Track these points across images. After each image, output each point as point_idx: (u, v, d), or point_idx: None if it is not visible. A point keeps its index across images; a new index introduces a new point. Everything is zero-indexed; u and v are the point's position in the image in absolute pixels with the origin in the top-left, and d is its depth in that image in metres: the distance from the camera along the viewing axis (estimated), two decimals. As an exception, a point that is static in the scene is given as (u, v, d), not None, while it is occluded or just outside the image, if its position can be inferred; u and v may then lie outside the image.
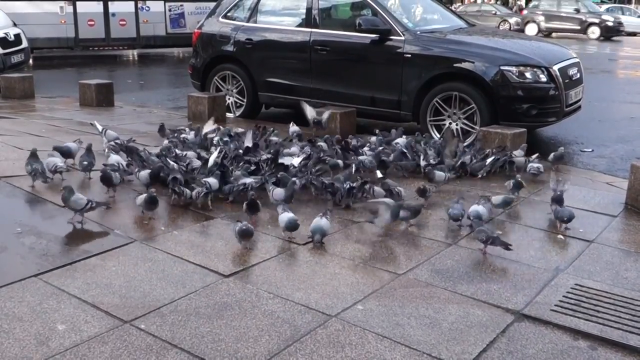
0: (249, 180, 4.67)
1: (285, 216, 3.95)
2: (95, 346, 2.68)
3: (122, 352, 2.65)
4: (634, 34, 31.97)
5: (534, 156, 5.71)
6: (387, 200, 4.24)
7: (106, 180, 4.55)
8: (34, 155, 4.68)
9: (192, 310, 3.02)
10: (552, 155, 5.80)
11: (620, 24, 30.16)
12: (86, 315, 2.94)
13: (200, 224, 4.20)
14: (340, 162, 5.33)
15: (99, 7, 16.89)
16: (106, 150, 5.32)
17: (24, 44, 11.41)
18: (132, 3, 17.30)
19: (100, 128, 5.80)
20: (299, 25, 7.99)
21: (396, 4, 7.98)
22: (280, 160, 5.15)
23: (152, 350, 2.67)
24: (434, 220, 4.38)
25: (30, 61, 12.48)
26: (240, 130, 6.27)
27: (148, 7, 17.50)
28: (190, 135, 5.95)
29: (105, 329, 2.82)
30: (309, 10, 7.84)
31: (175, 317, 2.95)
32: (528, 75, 6.57)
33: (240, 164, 5.09)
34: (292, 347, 2.74)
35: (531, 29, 30.19)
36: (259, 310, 3.05)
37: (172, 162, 4.95)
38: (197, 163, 5.09)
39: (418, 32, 7.24)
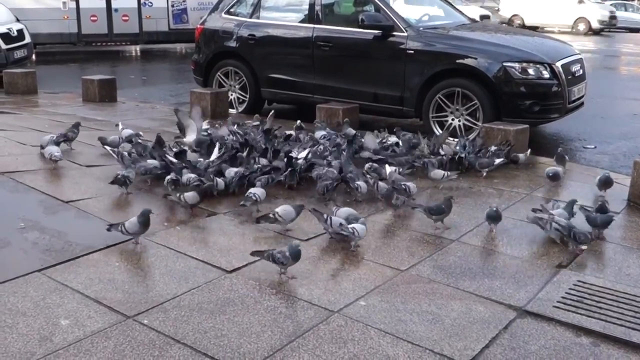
0: (233, 170, 4.70)
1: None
2: (99, 341, 2.69)
3: (125, 347, 2.66)
4: (636, 30, 31.90)
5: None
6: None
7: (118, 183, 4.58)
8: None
9: (195, 306, 3.02)
10: (597, 179, 5.02)
11: None
12: (89, 310, 2.95)
13: (203, 219, 4.21)
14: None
15: (101, 3, 16.86)
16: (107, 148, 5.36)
17: (27, 39, 11.38)
18: (135, -2, 17.28)
19: (121, 126, 6.00)
20: (302, 21, 7.99)
21: (399, 0, 7.97)
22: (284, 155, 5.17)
23: (155, 346, 2.68)
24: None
25: (33, 57, 12.45)
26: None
27: (151, 2, 17.47)
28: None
29: (109, 324, 2.83)
30: (311, 6, 7.83)
31: (178, 312, 2.96)
32: (531, 71, 6.56)
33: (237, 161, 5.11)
34: (295, 343, 2.74)
35: None
36: (262, 305, 3.06)
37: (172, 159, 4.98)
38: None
39: (421, 28, 7.23)
